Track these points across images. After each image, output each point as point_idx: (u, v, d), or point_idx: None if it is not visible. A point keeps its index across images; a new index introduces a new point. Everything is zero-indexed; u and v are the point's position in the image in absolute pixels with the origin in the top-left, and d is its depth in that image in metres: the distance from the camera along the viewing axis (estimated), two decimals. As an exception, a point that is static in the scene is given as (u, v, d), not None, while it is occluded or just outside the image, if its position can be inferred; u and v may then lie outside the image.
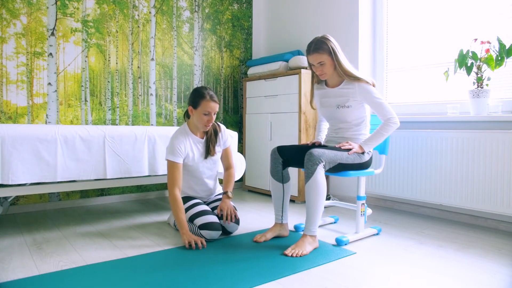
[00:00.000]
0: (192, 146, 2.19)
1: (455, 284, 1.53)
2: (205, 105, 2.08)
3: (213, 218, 2.05)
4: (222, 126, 2.32)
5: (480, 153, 2.31)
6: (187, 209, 2.14)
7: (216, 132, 2.26)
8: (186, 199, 2.24)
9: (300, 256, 1.81)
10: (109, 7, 3.10)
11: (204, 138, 2.24)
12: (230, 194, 2.23)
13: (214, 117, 2.14)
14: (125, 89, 3.19)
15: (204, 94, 2.09)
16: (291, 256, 1.80)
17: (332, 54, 2.00)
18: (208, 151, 2.22)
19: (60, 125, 2.32)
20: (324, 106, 2.18)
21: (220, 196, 2.34)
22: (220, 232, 2.06)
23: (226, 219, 2.11)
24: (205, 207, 2.13)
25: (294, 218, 2.62)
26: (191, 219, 2.09)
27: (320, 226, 2.40)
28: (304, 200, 3.11)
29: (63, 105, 2.90)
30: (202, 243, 1.94)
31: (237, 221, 2.15)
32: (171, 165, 2.11)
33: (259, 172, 3.50)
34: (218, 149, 2.29)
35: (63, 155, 2.12)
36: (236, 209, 2.19)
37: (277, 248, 1.94)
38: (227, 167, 2.35)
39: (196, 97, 2.11)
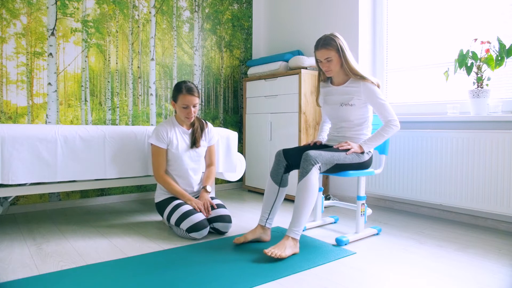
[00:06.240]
0: (177, 135, 2.27)
1: (455, 284, 1.53)
2: (182, 98, 2.18)
3: (197, 218, 2.06)
4: (209, 124, 2.42)
5: (480, 153, 2.31)
6: (169, 213, 2.15)
7: (202, 128, 2.36)
8: (167, 201, 2.23)
9: (278, 257, 1.73)
10: (109, 7, 3.09)
11: (191, 130, 2.32)
12: (208, 188, 2.29)
13: (195, 109, 2.22)
14: (125, 89, 3.19)
15: (181, 88, 2.18)
16: (270, 255, 1.73)
17: (340, 51, 2.02)
18: (194, 142, 2.29)
19: (60, 125, 2.32)
20: (327, 103, 2.19)
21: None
22: (208, 226, 2.09)
23: (213, 215, 2.16)
24: (187, 207, 2.12)
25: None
26: (177, 224, 2.10)
27: (320, 226, 2.40)
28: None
29: (63, 105, 2.90)
30: (208, 209, 2.14)
31: (229, 220, 2.16)
32: (155, 150, 2.23)
33: (259, 172, 3.50)
34: (203, 143, 2.36)
35: (63, 155, 2.12)
36: (223, 205, 2.24)
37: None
38: (209, 164, 2.43)
39: (175, 91, 2.22)
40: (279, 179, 2.04)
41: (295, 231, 1.83)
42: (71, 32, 2.92)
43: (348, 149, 1.99)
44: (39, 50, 2.79)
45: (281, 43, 3.86)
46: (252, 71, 3.61)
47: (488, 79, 2.38)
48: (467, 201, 2.36)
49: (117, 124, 3.15)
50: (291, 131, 3.16)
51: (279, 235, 2.16)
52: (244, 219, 2.58)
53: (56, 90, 2.87)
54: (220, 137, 2.65)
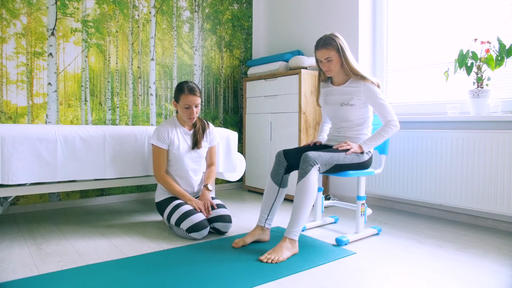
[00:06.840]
0: (179, 136, 2.26)
1: (455, 284, 1.53)
2: (184, 98, 2.17)
3: (197, 218, 2.06)
4: (211, 125, 2.42)
5: (480, 153, 2.31)
6: (170, 213, 2.14)
7: (204, 129, 2.35)
8: (167, 201, 2.23)
9: (276, 262, 1.72)
10: (109, 7, 3.09)
11: (192, 130, 2.31)
12: (209, 186, 2.29)
13: (196, 109, 2.22)
14: (125, 89, 3.19)
15: (183, 88, 2.18)
16: (266, 262, 1.72)
17: (340, 51, 2.03)
18: (195, 143, 2.28)
19: (60, 125, 2.32)
20: (328, 103, 2.19)
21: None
22: (208, 226, 2.09)
23: (213, 215, 2.16)
24: (187, 207, 2.12)
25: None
26: (177, 224, 2.10)
27: (320, 226, 2.40)
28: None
29: (63, 105, 2.90)
30: (208, 209, 2.14)
31: (229, 220, 2.16)
32: (156, 150, 2.23)
33: (259, 172, 3.50)
34: (205, 144, 2.35)
35: (63, 155, 2.12)
36: (223, 205, 2.24)
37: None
38: (210, 164, 2.43)
39: (177, 91, 2.21)
40: (279, 180, 2.03)
41: (293, 232, 1.83)
42: (71, 32, 2.92)
43: (348, 149, 1.99)
44: (39, 50, 2.79)
45: (281, 43, 3.86)
46: (252, 71, 3.61)
47: (488, 79, 2.38)
48: (467, 201, 2.36)
49: (117, 124, 3.15)
50: (291, 131, 3.16)
51: (279, 235, 2.16)
52: (244, 219, 2.58)
53: (56, 90, 2.87)
54: (220, 137, 2.65)
